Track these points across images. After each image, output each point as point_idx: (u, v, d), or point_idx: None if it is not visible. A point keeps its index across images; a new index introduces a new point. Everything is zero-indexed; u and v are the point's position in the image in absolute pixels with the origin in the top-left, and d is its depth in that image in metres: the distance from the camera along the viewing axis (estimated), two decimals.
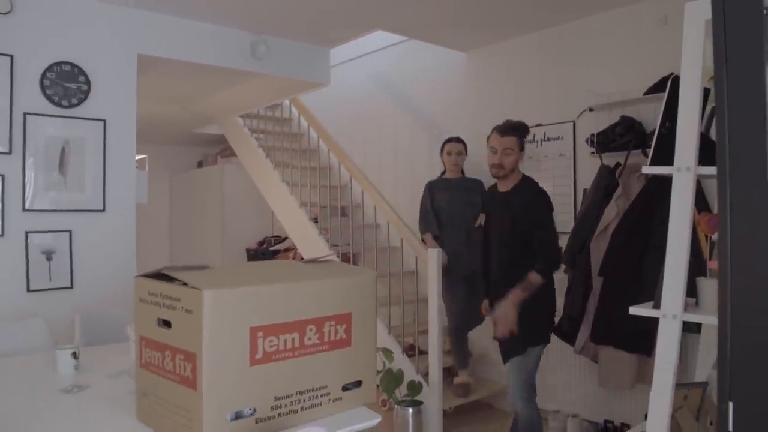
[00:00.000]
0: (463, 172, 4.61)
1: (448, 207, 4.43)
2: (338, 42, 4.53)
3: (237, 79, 4.47)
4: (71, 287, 3.50)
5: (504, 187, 3.23)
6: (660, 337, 1.78)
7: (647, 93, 3.69)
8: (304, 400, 1.80)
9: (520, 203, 3.13)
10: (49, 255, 3.46)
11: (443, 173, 4.63)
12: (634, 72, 3.86)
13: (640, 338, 3.47)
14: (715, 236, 1.92)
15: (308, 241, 5.09)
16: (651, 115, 3.75)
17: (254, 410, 1.67)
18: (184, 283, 1.65)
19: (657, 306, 1.81)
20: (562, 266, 3.98)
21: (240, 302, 1.64)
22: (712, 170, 1.76)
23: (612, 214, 3.66)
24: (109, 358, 2.64)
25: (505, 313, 2.99)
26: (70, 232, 3.51)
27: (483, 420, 4.33)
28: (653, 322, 3.45)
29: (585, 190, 4.04)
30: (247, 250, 6.65)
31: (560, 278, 4.00)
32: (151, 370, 1.75)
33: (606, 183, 3.79)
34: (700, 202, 3.49)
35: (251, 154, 5.71)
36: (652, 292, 3.45)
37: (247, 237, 6.76)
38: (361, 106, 5.76)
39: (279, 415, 1.73)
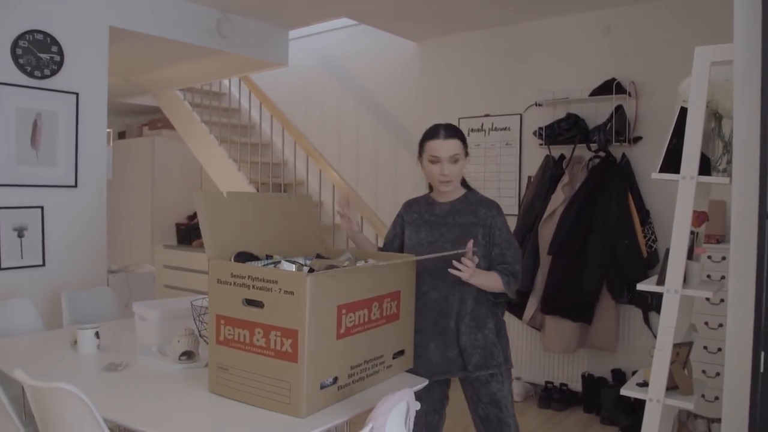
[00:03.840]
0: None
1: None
2: (300, 24, 4.63)
3: (199, 55, 4.46)
4: (43, 265, 3.45)
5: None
6: (664, 307, 2.16)
7: (592, 94, 4.13)
8: (369, 368, 2.04)
9: None
10: (20, 232, 3.39)
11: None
12: (578, 74, 4.29)
13: (583, 309, 3.95)
14: (700, 228, 2.33)
15: None
16: (593, 113, 4.21)
17: (336, 379, 1.89)
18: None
19: (661, 283, 2.18)
20: None
21: (332, 283, 1.85)
22: (707, 178, 2.20)
23: (559, 200, 4.09)
24: (117, 336, 2.70)
25: None
26: (42, 208, 3.44)
27: None
28: (594, 296, 3.93)
29: (529, 177, 4.45)
30: (177, 225, 6.58)
31: None
32: (232, 346, 1.91)
33: (552, 172, 4.22)
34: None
35: (193, 129, 5.66)
36: (596, 269, 3.93)
37: (177, 212, 6.68)
38: (305, 85, 5.85)
39: (353, 382, 1.97)
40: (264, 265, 2.00)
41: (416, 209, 2.45)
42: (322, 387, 1.84)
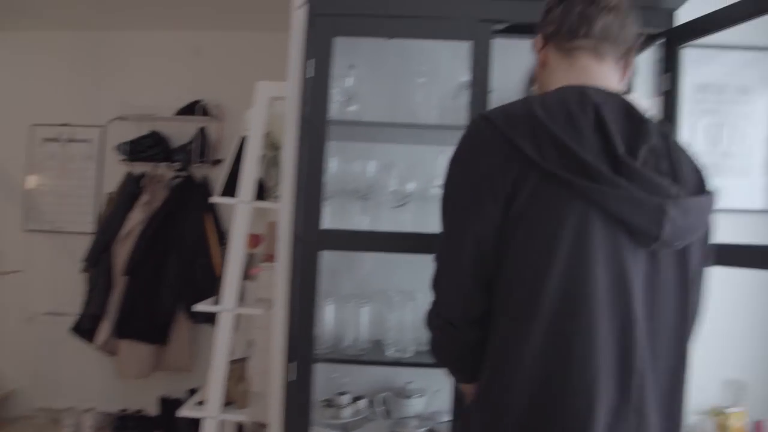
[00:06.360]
0: None
1: None
2: None
3: None
4: None
5: None
6: (219, 326, 2.25)
7: (178, 113, 4.15)
8: None
9: None
10: None
11: None
12: (166, 91, 4.25)
13: (158, 331, 3.90)
14: (254, 249, 2.49)
15: None
16: (177, 133, 4.22)
17: None
18: None
19: (219, 303, 2.27)
20: (83, 265, 4.10)
21: None
22: (261, 203, 2.38)
23: (137, 219, 3.97)
24: None
25: None
26: None
27: None
28: (169, 316, 3.95)
29: (110, 194, 4.23)
30: None
31: (81, 278, 4.12)
32: None
33: (132, 190, 4.09)
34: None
35: None
36: (172, 289, 3.94)
37: None
38: None
39: None
40: None
41: None
42: None
